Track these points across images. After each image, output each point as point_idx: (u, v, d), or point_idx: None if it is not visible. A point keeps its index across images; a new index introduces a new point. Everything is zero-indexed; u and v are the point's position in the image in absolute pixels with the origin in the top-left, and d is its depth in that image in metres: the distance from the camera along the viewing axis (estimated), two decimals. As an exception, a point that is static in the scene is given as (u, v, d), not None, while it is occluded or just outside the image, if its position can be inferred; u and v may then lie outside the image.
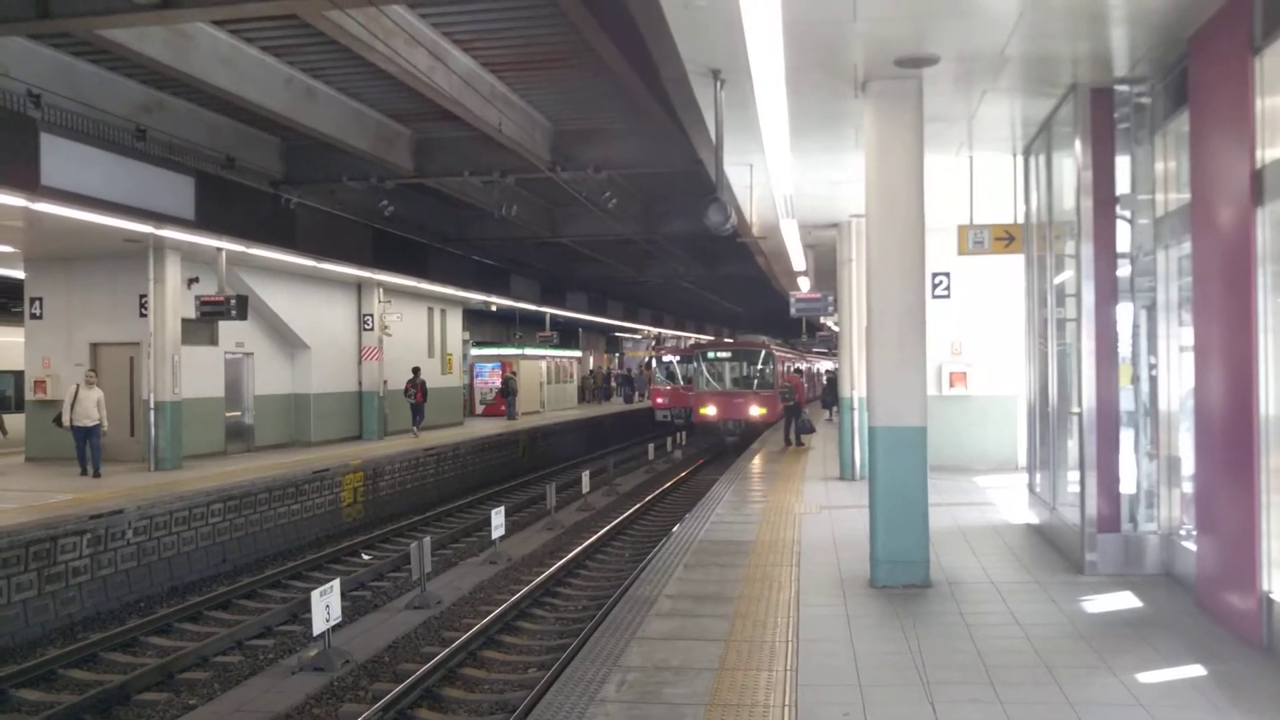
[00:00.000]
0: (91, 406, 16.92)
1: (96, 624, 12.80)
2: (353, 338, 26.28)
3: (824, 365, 53.58)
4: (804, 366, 47.34)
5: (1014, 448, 16.26)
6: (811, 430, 23.80)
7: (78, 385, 17.07)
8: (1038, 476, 11.57)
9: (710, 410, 32.70)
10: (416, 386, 26.78)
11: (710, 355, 34.73)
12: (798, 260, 19.44)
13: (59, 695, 10.27)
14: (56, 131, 12.96)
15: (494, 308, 34.96)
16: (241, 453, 22.10)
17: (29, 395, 20.68)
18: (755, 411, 32.42)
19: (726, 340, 41.11)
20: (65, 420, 16.81)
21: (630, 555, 16.24)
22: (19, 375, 23.21)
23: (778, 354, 35.49)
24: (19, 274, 21.67)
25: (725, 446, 33.24)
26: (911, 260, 8.76)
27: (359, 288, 26.13)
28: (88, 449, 17.13)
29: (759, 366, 33.82)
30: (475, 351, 39.05)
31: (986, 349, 16.97)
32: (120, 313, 19.89)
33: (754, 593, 8.46)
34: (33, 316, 20.62)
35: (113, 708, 9.90)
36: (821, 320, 39.09)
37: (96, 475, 16.98)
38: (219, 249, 18.14)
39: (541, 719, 5.64)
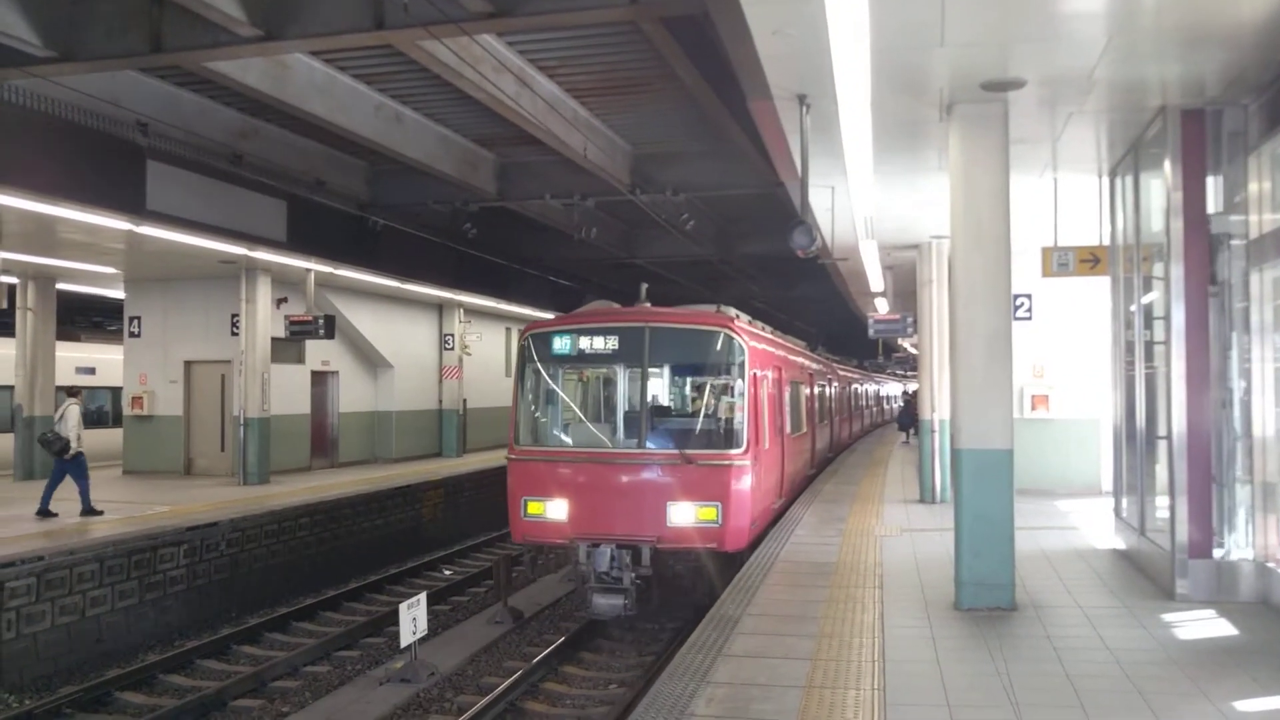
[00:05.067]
0: None
1: (191, 631, 13.25)
2: (434, 357, 26.81)
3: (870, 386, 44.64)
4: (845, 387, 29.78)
5: (1097, 472, 15.99)
6: None
7: None
8: (1124, 501, 11.40)
9: (554, 510, 11.77)
10: None
11: (564, 345, 12.48)
12: (876, 281, 19.40)
13: (160, 699, 10.68)
14: (161, 158, 13.55)
15: (569, 328, 35.23)
16: (325, 468, 22.65)
17: (126, 410, 21.46)
18: (684, 515, 11.33)
19: (615, 309, 13.31)
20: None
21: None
22: (117, 391, 24.14)
23: (758, 346, 13.01)
24: (118, 294, 22.55)
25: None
26: (997, 283, 8.75)
27: (440, 308, 26.67)
28: None
29: (706, 378, 12.87)
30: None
31: (1069, 372, 16.75)
32: (213, 331, 20.61)
33: (838, 613, 8.49)
34: (131, 335, 21.43)
35: (210, 713, 10.28)
36: (899, 341, 38.58)
37: None
38: (308, 270, 18.69)
39: (634, 731, 5.74)
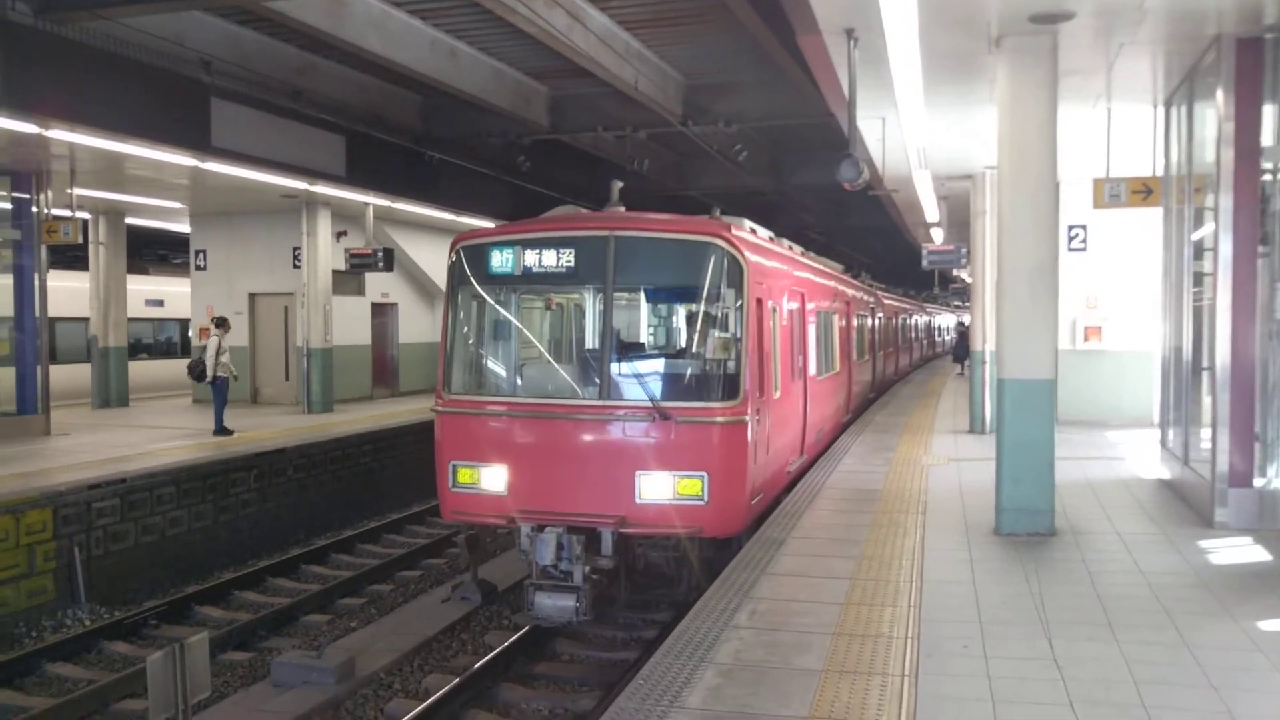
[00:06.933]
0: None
1: (263, 551, 13.93)
2: (489, 289, 27.21)
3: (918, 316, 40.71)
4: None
5: (1150, 403, 15.97)
6: None
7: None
8: (1170, 432, 11.49)
9: (490, 480, 9.31)
10: None
11: (504, 261, 9.55)
12: (930, 212, 19.36)
13: (236, 613, 11.33)
14: (224, 95, 13.92)
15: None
16: (386, 397, 23.31)
17: (195, 341, 22.21)
18: (658, 489, 8.79)
19: (578, 214, 10.72)
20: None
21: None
22: (184, 322, 24.95)
23: (765, 263, 10.44)
24: (184, 228, 23.19)
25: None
26: (1043, 215, 8.83)
27: (495, 240, 26.99)
28: None
29: (692, 306, 10.06)
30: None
31: (1123, 303, 16.66)
32: (276, 264, 21.20)
33: (880, 537, 8.78)
34: (197, 268, 22.09)
35: (282, 626, 10.90)
36: (954, 273, 38.21)
37: None
38: (366, 203, 19.07)
39: (680, 639, 6.13)
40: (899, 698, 5.18)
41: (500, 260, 9.50)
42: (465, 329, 9.95)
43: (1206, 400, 9.92)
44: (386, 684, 8.97)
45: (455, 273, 9.79)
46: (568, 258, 9.30)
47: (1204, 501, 9.28)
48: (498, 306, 10.05)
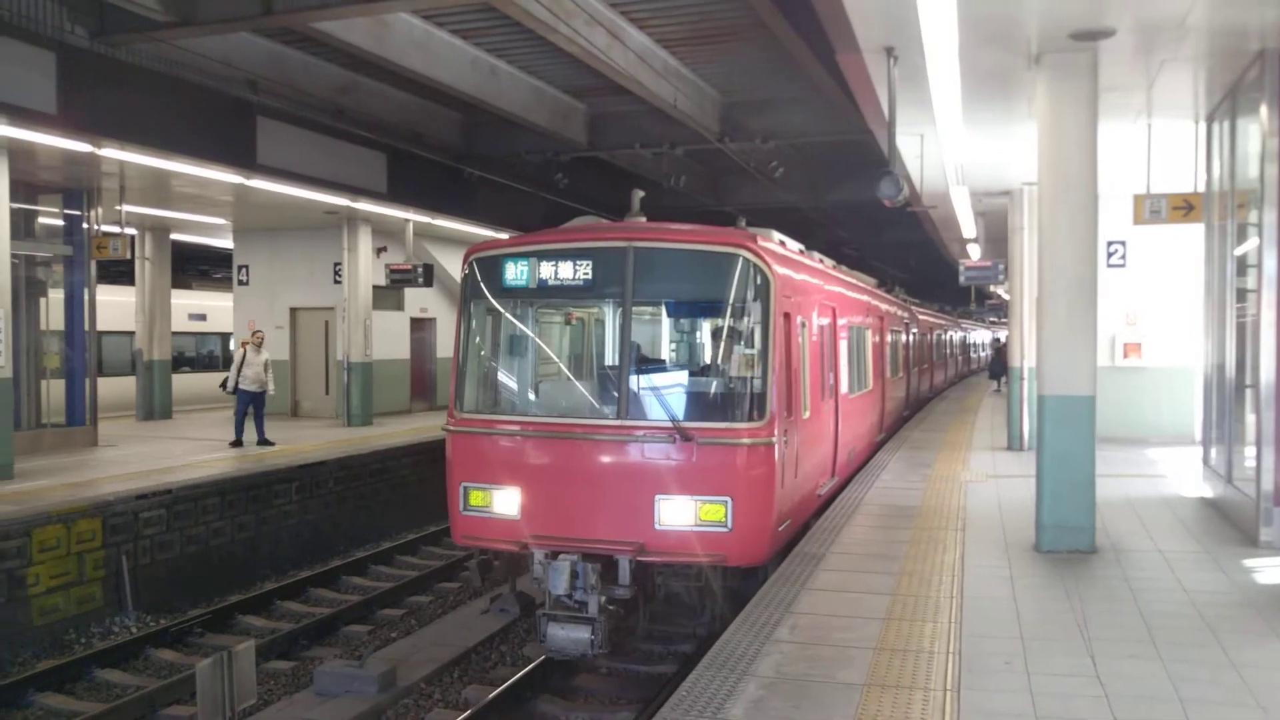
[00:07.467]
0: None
1: (304, 562, 14.09)
2: (525, 304, 27.40)
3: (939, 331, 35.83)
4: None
5: (1191, 420, 15.84)
6: None
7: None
8: (1213, 449, 11.39)
9: (503, 503, 8.86)
10: None
11: (519, 274, 9.14)
12: (968, 228, 19.32)
13: (279, 623, 11.49)
14: (269, 114, 14.21)
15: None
16: (424, 410, 23.52)
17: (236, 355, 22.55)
18: (679, 514, 8.33)
19: (598, 225, 10.13)
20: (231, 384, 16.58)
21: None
22: (225, 336, 25.34)
23: (793, 276, 9.88)
24: (227, 244, 23.57)
25: None
26: (1083, 231, 8.82)
27: (531, 256, 27.18)
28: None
29: (715, 320, 9.79)
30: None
31: (1163, 319, 16.55)
32: (317, 280, 21.52)
33: (919, 553, 8.77)
34: (240, 283, 22.44)
35: (324, 637, 11.05)
36: (991, 288, 37.98)
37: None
38: (406, 220, 19.31)
39: (721, 653, 6.17)
40: (941, 712, 5.20)
41: (515, 273, 9.09)
42: (478, 344, 9.63)
43: (1250, 418, 9.83)
44: (427, 694, 9.11)
45: (468, 285, 9.42)
46: (585, 270, 8.89)
47: (1249, 520, 9.19)
48: (512, 320, 9.67)
